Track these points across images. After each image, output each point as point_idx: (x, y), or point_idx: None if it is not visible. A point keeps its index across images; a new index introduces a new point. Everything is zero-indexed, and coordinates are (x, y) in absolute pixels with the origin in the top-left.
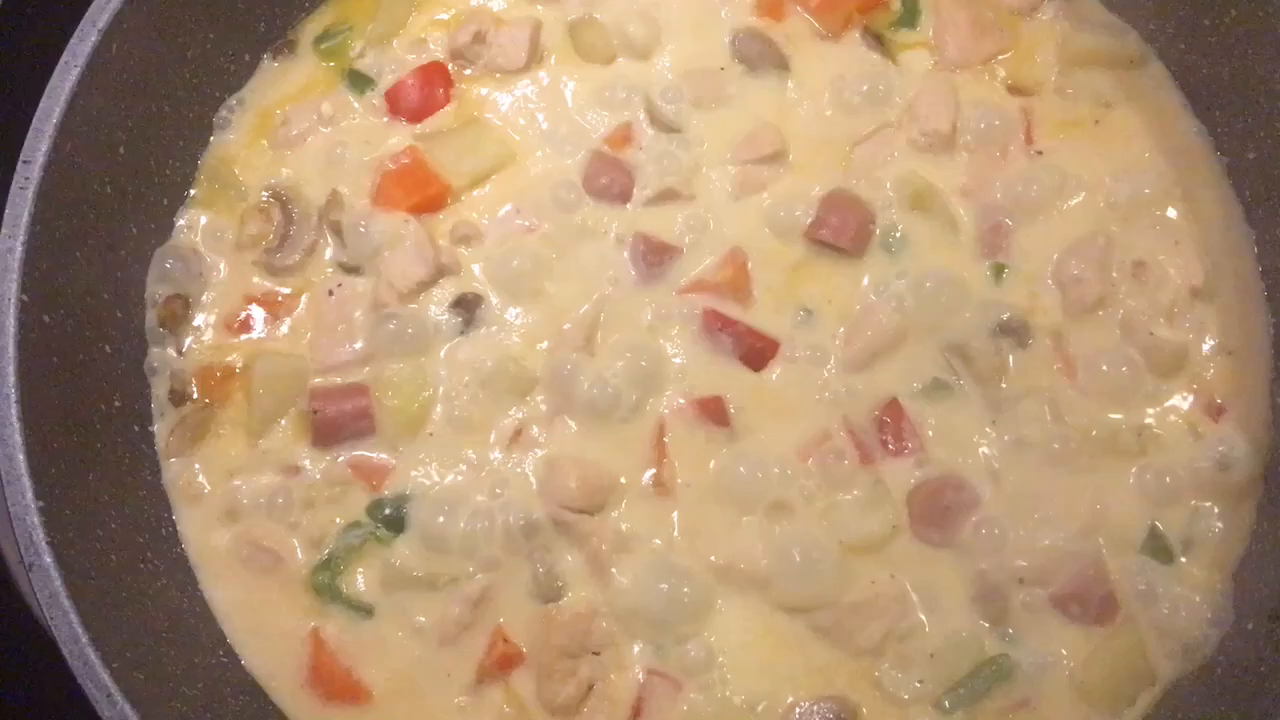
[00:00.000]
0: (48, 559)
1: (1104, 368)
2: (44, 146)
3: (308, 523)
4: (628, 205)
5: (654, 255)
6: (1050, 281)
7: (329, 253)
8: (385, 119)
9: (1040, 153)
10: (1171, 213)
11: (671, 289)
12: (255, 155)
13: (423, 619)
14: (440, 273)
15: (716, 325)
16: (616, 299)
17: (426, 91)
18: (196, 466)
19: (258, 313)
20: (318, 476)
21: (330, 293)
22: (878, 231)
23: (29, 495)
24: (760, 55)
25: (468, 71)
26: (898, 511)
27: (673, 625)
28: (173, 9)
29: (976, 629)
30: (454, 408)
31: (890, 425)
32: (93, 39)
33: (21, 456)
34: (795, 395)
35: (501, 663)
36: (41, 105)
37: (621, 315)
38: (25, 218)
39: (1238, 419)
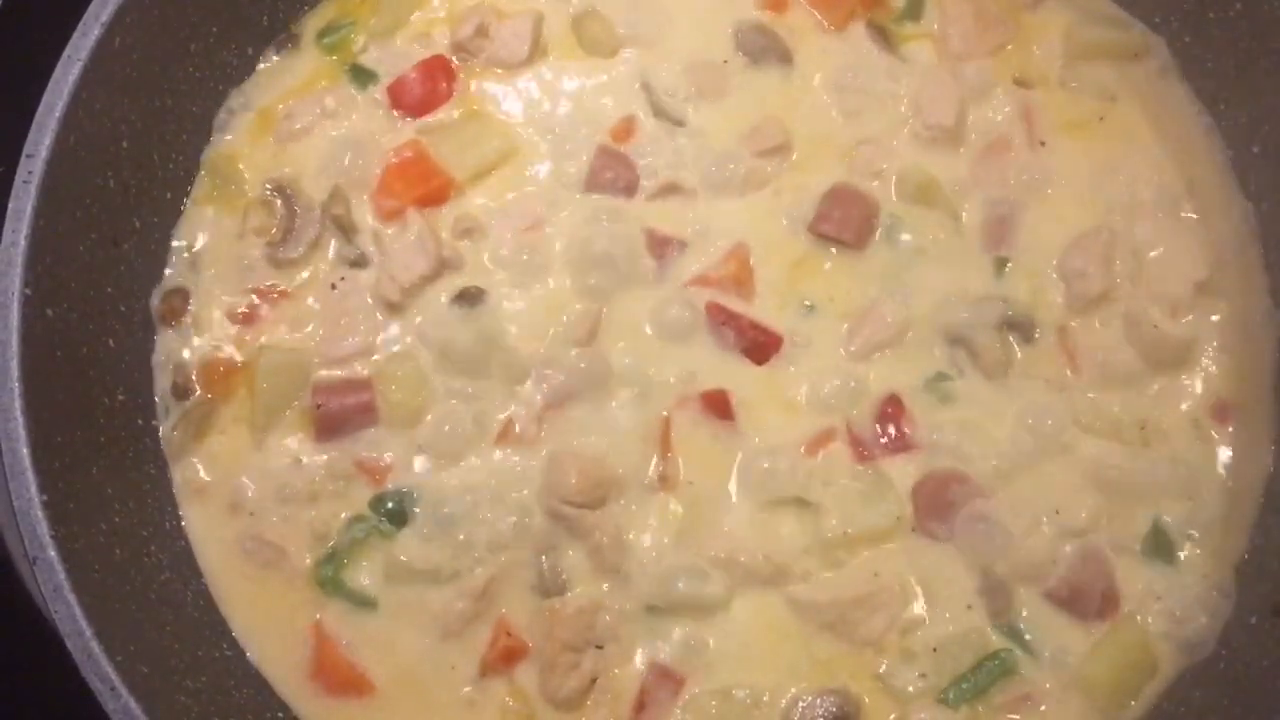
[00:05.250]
0: (52, 552)
1: (1108, 362)
2: (47, 140)
3: (311, 517)
4: (632, 199)
5: (657, 249)
6: (1054, 275)
7: (332, 246)
8: (388, 113)
9: (1044, 145)
10: (1176, 206)
11: (675, 283)
12: (258, 149)
13: (426, 612)
14: (443, 266)
15: (720, 319)
16: (619, 293)
17: (429, 85)
18: (200, 460)
19: (261, 307)
20: (321, 470)
21: (333, 286)
22: (881, 225)
23: (33, 489)
24: (764, 48)
25: (470, 65)
26: (901, 504)
27: (675, 619)
28: (175, 4)
29: (979, 623)
30: (457, 402)
31: (893, 419)
32: (95, 33)
33: (25, 450)
34: (799, 389)
35: (505, 656)
36: (44, 99)
37: (624, 309)
38: (28, 212)
39: (1241, 413)
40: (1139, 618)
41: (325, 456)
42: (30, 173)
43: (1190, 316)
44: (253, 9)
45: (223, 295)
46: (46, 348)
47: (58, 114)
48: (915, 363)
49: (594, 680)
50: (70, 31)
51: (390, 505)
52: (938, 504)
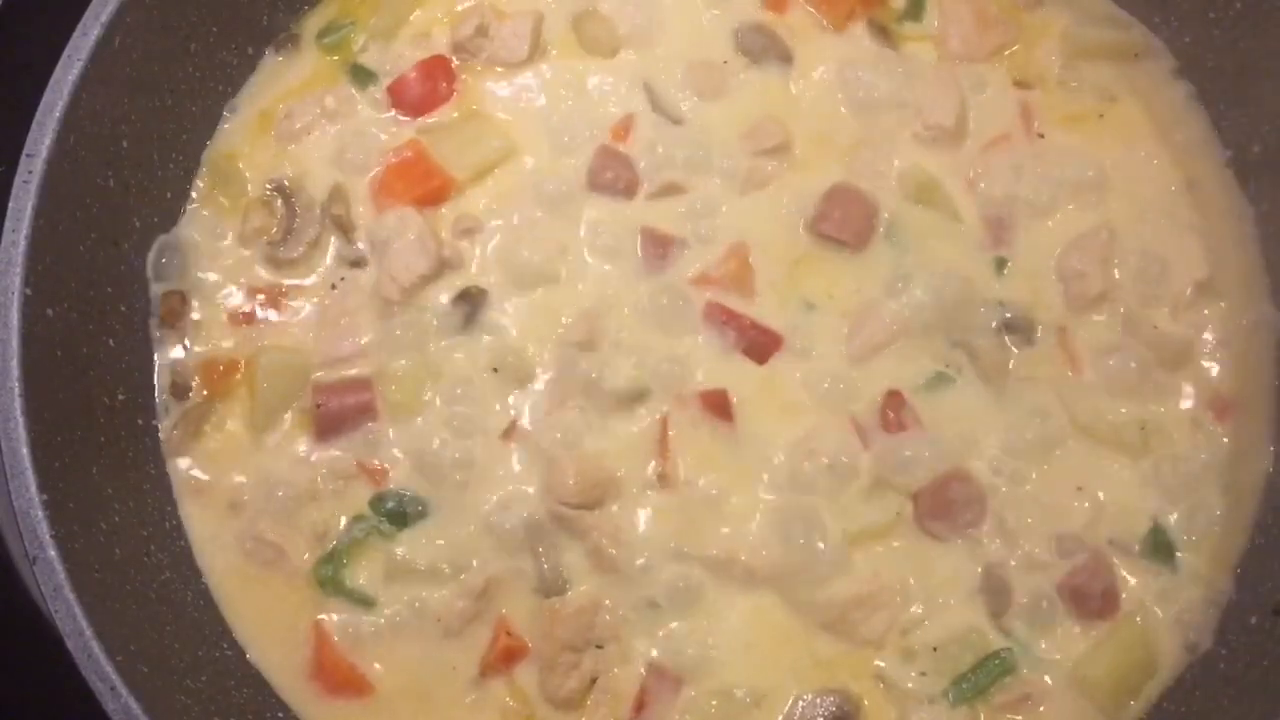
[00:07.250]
0: (52, 552)
1: (1108, 362)
2: (47, 140)
3: (311, 516)
4: (632, 199)
5: (657, 248)
6: (1053, 275)
7: (332, 246)
8: (388, 113)
9: (1044, 143)
10: (1175, 206)
11: (675, 282)
12: (258, 149)
13: (426, 612)
14: (443, 266)
15: (720, 318)
16: (620, 292)
17: (429, 85)
18: (200, 460)
19: (260, 306)
20: (321, 470)
21: (333, 286)
22: (881, 225)
23: (33, 488)
24: (764, 48)
25: (470, 65)
26: (902, 503)
27: (675, 619)
28: (175, 4)
29: (980, 622)
30: (456, 401)
31: (893, 419)
32: (96, 33)
33: (25, 450)
34: (798, 388)
35: (505, 656)
36: (45, 99)
37: (624, 309)
38: (28, 211)
39: (1241, 413)
40: (1139, 618)
41: (325, 456)
42: (30, 173)
43: (1190, 316)
44: (253, 9)
45: (222, 295)
46: (47, 348)
47: (58, 114)
48: (915, 362)
49: (594, 680)
50: (70, 31)
51: (390, 505)
52: (938, 503)
